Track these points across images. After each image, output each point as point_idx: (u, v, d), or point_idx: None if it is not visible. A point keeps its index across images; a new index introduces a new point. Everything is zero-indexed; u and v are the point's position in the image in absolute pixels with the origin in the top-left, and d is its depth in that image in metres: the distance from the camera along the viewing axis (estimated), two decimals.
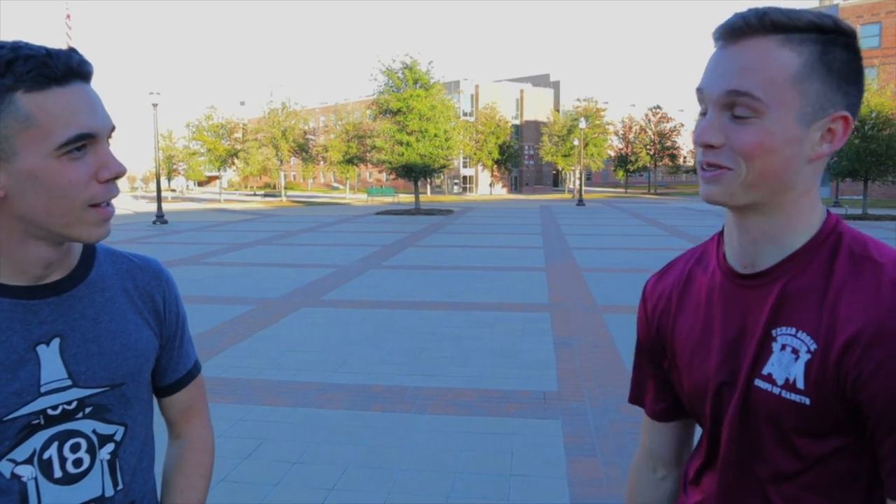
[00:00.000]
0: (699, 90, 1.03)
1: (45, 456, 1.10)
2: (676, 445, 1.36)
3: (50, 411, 1.10)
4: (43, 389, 1.09)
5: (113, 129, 1.09)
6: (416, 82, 36.86)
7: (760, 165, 0.98)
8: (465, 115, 74.73)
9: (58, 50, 1.03)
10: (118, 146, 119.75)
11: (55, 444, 1.11)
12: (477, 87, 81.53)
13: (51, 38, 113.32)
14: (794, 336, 1.01)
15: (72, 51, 1.05)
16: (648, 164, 74.44)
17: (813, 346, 0.98)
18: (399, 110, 36.75)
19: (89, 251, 1.23)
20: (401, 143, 36.91)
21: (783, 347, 1.01)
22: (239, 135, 63.26)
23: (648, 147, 73.50)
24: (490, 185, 79.00)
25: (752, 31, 0.98)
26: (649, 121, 74.79)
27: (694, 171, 76.89)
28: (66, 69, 1.02)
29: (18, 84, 0.99)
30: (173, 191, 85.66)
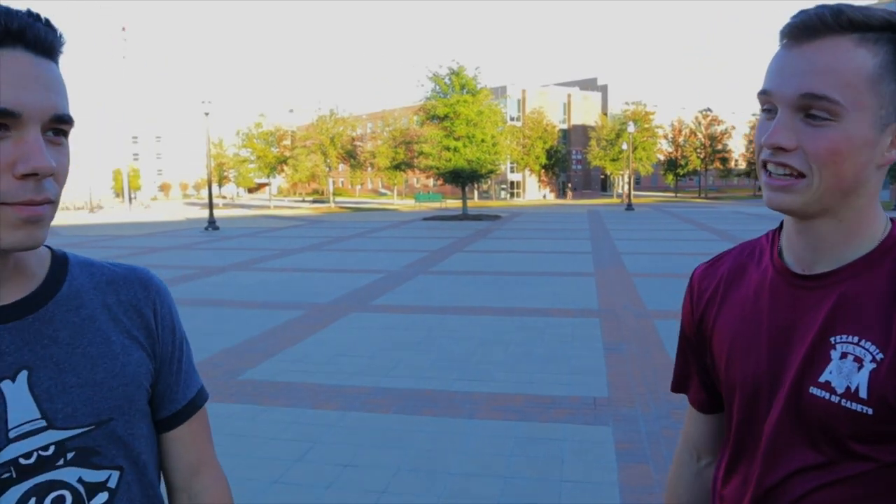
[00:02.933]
0: (766, 92, 1.00)
1: None
2: (719, 434, 1.34)
3: (22, 461, 0.89)
4: (12, 435, 0.88)
5: (60, 117, 0.87)
6: (462, 88, 36.94)
7: (834, 171, 0.95)
8: (511, 120, 74.61)
9: (7, 7, 0.85)
10: (171, 153, 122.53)
11: (32, 501, 0.90)
12: (524, 91, 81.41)
13: (106, 49, 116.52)
14: (857, 345, 0.98)
15: (26, 12, 0.86)
16: (699, 168, 73.32)
17: (879, 356, 0.96)
18: (446, 116, 36.87)
19: (59, 263, 1.02)
20: (448, 149, 37.02)
21: (844, 356, 0.98)
22: (288, 142, 64.18)
23: (699, 150, 72.42)
24: (540, 191, 78.69)
25: (827, 29, 0.94)
26: (699, 124, 73.70)
27: (746, 174, 75.63)
28: (1, 30, 0.82)
29: None
30: (224, 197, 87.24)
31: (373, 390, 6.30)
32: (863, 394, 0.96)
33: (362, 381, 6.60)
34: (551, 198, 78.95)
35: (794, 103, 0.96)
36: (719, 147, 72.62)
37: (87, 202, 66.27)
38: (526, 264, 15.68)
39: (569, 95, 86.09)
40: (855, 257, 1.01)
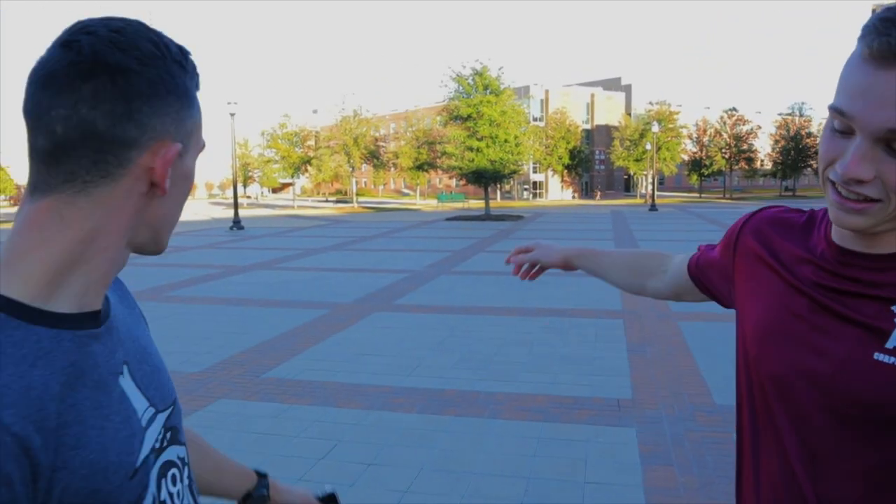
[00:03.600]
0: (845, 114, 0.93)
1: (162, 498, 0.95)
2: (674, 287, 1.55)
3: (156, 445, 0.95)
4: (143, 423, 0.93)
5: None
6: (486, 88, 36.92)
7: None
8: (534, 120, 74.45)
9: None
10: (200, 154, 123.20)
11: (163, 482, 0.95)
12: (547, 91, 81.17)
13: None
14: None
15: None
16: (724, 168, 72.70)
17: None
18: (469, 116, 36.87)
19: None
20: (471, 149, 37.02)
21: None
22: (311, 142, 64.52)
23: (724, 150, 71.79)
24: (563, 191, 78.44)
25: None
26: (724, 123, 73.07)
27: (773, 174, 74.89)
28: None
29: (194, 77, 0.89)
30: (248, 197, 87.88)
31: (395, 390, 6.31)
32: None
33: (385, 380, 6.62)
34: (574, 198, 78.66)
35: (878, 135, 0.90)
36: (745, 147, 71.93)
37: None
38: None
39: (592, 95, 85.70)
40: None
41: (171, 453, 0.99)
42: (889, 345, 0.97)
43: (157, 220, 0.88)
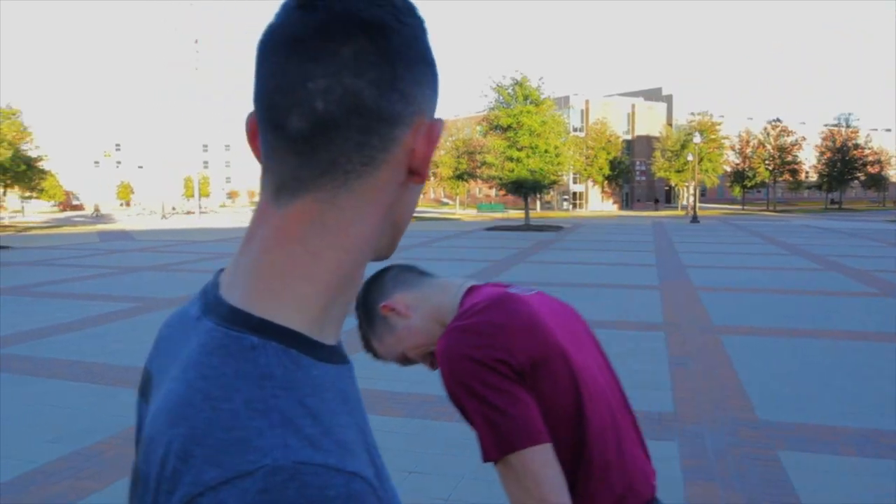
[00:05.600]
0: None
1: None
2: None
3: None
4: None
5: None
6: (526, 98, 36.92)
7: None
8: (575, 130, 74.15)
9: None
10: (239, 162, 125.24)
11: None
12: (587, 102, 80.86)
13: (180, 59, 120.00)
14: None
15: None
16: (767, 180, 71.62)
17: None
18: (509, 126, 36.90)
19: None
20: (511, 159, 37.01)
21: None
22: None
23: (767, 162, 70.75)
24: (603, 202, 77.98)
25: None
26: (768, 134, 72.04)
27: (818, 187, 73.58)
28: None
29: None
30: None
31: (437, 398, 6.36)
32: None
33: (427, 389, 6.66)
34: (614, 209, 78.14)
35: None
36: (789, 158, 70.81)
37: (161, 208, 68.32)
38: (589, 276, 15.57)
39: (633, 105, 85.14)
40: None
41: None
42: None
43: (403, 217, 0.71)
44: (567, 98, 78.03)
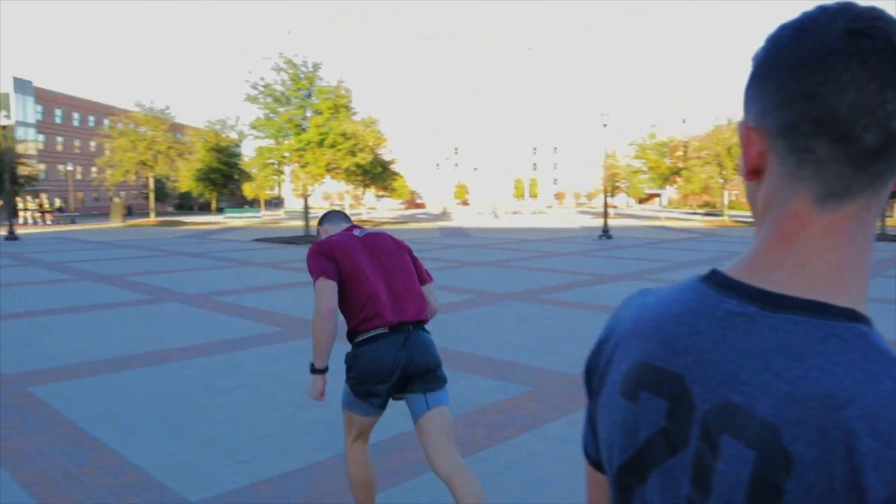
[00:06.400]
0: None
1: None
2: None
3: None
4: None
5: None
6: None
7: None
8: None
9: None
10: (566, 164, 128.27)
11: None
12: None
13: (513, 70, 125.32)
14: None
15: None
16: None
17: None
18: None
19: None
20: None
21: None
22: (680, 152, 63.02)
23: None
24: None
25: None
26: None
27: None
28: None
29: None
30: (615, 207, 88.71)
31: None
32: None
33: None
34: None
35: None
36: None
37: (493, 207, 72.34)
38: None
39: None
40: None
41: None
42: None
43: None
44: None
